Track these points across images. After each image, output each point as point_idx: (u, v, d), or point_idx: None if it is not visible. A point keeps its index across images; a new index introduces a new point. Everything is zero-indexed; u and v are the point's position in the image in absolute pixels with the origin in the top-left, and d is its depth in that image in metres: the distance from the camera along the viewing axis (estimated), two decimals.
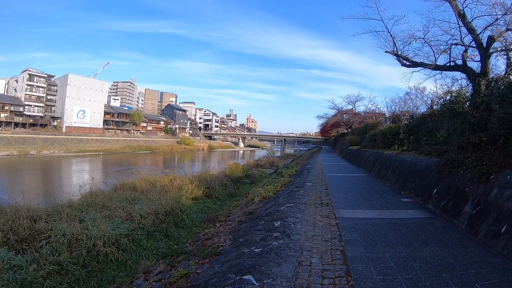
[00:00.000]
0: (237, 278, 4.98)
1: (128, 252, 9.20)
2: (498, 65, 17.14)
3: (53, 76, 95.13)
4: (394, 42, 17.06)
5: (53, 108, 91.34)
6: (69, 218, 10.70)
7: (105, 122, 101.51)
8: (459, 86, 16.70)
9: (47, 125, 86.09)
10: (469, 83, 15.26)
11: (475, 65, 15.51)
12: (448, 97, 13.19)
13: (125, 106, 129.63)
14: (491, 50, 14.09)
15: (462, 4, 14.26)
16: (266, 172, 32.46)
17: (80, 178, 37.75)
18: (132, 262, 8.85)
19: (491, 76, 13.62)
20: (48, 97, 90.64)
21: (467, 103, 12.50)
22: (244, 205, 13.97)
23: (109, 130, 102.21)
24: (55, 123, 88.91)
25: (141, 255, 9.36)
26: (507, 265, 5.31)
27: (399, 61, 17.35)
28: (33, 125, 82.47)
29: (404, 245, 6.35)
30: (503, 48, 14.14)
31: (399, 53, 17.08)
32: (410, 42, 16.75)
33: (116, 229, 9.72)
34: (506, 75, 12.57)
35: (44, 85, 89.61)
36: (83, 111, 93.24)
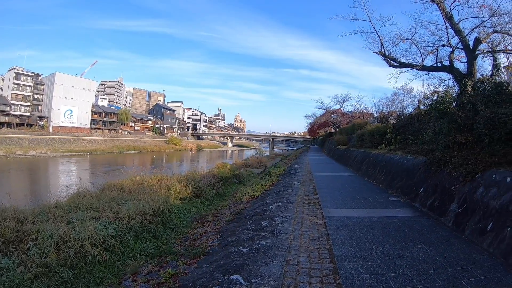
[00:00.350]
0: (225, 277, 4.97)
1: (116, 253, 9.12)
2: (484, 66, 17.35)
3: (40, 75, 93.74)
4: (381, 43, 17.19)
5: (40, 107, 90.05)
6: (56, 219, 10.56)
7: (93, 121, 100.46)
8: (445, 86, 16.89)
9: (34, 124, 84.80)
10: (455, 83, 15.43)
11: (461, 66, 15.71)
12: (435, 98, 13.33)
13: (112, 106, 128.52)
14: (477, 52, 14.28)
15: (450, 6, 14.42)
16: (255, 171, 32.46)
17: (68, 178, 37.30)
18: (120, 263, 8.77)
19: (477, 77, 13.79)
20: (35, 96, 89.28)
21: (454, 104, 12.65)
22: (232, 205, 13.96)
23: (97, 130, 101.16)
24: (42, 123, 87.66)
25: (129, 256, 9.28)
26: (493, 262, 5.38)
27: (387, 61, 17.49)
28: (19, 124, 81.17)
29: (391, 243, 6.39)
30: (490, 49, 14.33)
31: (387, 53, 17.21)
32: (398, 43, 16.91)
33: (104, 230, 9.64)
34: (492, 76, 12.75)
35: (31, 84, 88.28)
36: (70, 110, 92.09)
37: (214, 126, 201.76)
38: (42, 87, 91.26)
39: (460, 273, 4.94)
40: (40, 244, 8.41)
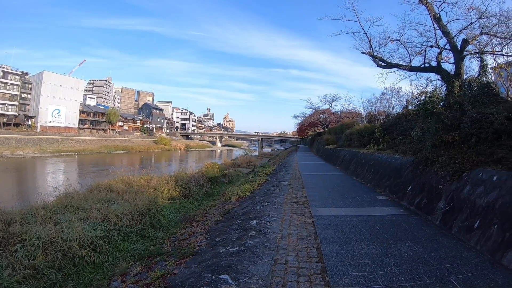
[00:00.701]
0: (213, 277, 4.95)
1: (104, 254, 9.04)
2: (471, 67, 17.61)
3: (27, 74, 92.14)
4: (370, 44, 17.33)
5: (27, 106, 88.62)
6: (44, 220, 10.44)
7: (81, 121, 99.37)
8: (433, 87, 17.06)
9: (21, 124, 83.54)
10: (443, 84, 15.61)
11: (449, 67, 15.90)
12: (422, 98, 13.45)
13: (101, 105, 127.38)
14: (465, 53, 14.46)
15: (438, 8, 14.59)
16: (243, 171, 32.45)
17: (55, 179, 36.83)
18: (108, 264, 8.70)
19: (464, 77, 13.96)
20: (23, 95, 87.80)
21: (441, 104, 12.78)
22: (221, 205, 13.94)
23: (85, 129, 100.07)
24: (30, 123, 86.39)
25: (118, 257, 9.21)
26: (480, 259, 5.45)
27: (375, 62, 17.62)
28: (6, 124, 79.83)
29: (379, 241, 6.42)
30: (477, 51, 14.52)
31: (375, 54, 17.35)
32: (386, 44, 17.07)
33: (92, 231, 9.56)
34: (479, 77, 12.90)
35: (19, 83, 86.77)
36: (58, 110, 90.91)
37: (203, 125, 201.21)
38: (30, 86, 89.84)
39: (447, 270, 4.98)
40: (28, 246, 8.31)
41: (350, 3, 16.73)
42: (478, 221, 6.37)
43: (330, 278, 4.76)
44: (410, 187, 10.32)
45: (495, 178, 6.61)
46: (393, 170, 12.69)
